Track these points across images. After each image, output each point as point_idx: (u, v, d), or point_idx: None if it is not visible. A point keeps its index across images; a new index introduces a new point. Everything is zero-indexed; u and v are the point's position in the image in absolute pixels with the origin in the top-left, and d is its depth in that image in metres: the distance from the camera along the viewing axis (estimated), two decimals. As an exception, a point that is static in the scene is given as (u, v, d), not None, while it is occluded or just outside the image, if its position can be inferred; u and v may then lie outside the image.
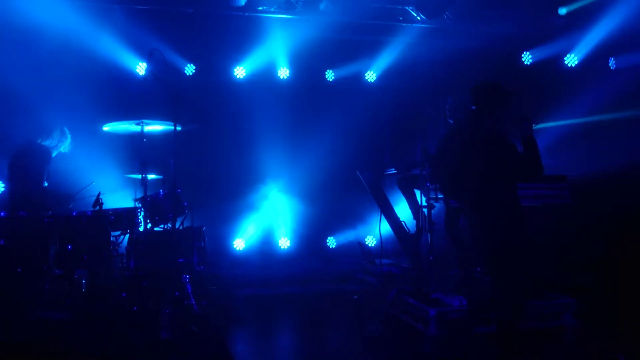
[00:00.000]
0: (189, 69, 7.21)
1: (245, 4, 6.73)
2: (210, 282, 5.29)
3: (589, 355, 4.15)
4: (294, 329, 5.31)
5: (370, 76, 7.78)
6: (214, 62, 7.30)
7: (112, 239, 5.02)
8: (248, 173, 7.24)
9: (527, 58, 7.74)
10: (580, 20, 7.05)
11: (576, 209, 5.82)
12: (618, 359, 3.97)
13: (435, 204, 4.77)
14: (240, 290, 6.30)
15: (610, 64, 7.78)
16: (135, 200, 5.51)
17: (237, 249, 7.32)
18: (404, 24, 7.19)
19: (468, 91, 3.82)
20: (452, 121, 5.29)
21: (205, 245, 5.33)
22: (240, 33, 7.08)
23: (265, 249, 7.38)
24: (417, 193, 4.97)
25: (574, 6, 6.53)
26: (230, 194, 7.16)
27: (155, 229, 5.17)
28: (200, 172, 6.89)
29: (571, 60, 7.77)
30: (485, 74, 7.29)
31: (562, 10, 6.71)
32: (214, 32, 7.06)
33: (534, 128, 3.65)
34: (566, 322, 4.42)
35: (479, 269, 5.44)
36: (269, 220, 7.47)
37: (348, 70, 7.63)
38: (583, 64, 7.75)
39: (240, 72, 7.37)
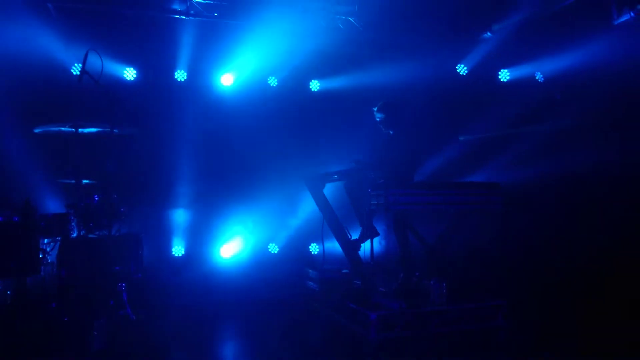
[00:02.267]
0: (130, 72, 7.01)
1: (187, 7, 6.65)
2: (148, 291, 5.13)
3: (519, 354, 4.35)
4: (234, 338, 5.23)
5: (314, 85, 7.87)
6: (156, 66, 7.14)
7: (42, 246, 4.77)
8: (191, 179, 7.08)
9: (462, 69, 8.08)
10: (511, 36, 7.43)
11: (508, 214, 6.14)
12: (545, 357, 4.20)
13: (376, 210, 4.86)
14: (180, 298, 6.14)
15: (537, 77, 8.24)
16: (68, 206, 5.26)
17: (178, 256, 7.14)
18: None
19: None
20: (379, 120, 5.49)
21: (143, 253, 5.17)
22: (183, 36, 6.97)
23: (206, 257, 7.23)
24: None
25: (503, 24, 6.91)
26: (171, 200, 7.00)
27: (90, 235, 4.97)
28: (140, 178, 6.67)
29: (504, 75, 8.20)
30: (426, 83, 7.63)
31: (496, 26, 7.06)
32: (155, 35, 6.92)
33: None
34: (498, 323, 4.60)
35: (417, 273, 5.59)
36: (212, 227, 7.32)
37: (291, 77, 7.67)
38: (513, 78, 8.18)
39: (181, 75, 7.25)
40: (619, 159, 6.23)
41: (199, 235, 7.26)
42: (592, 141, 6.85)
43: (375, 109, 5.54)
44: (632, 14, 5.90)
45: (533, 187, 7.11)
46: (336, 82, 7.71)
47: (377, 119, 5.54)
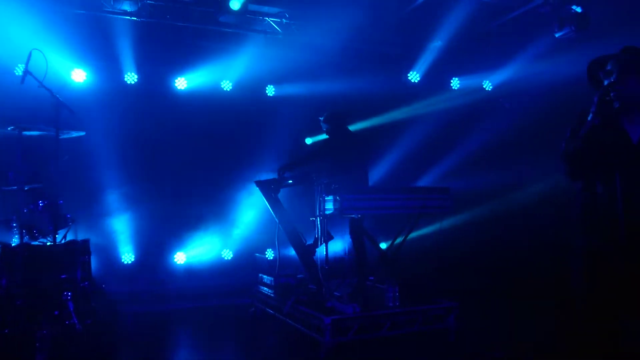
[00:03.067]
0: (78, 74, 6.77)
1: (138, 9, 6.51)
2: (96, 299, 4.94)
3: (470, 354, 4.46)
4: (186, 346, 5.11)
5: (270, 90, 7.85)
6: (106, 68, 6.94)
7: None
8: (141, 183, 6.90)
9: (414, 77, 8.26)
10: (461, 46, 7.68)
11: (460, 219, 6.31)
12: (495, 357, 4.33)
13: (329, 214, 4.89)
14: (131, 306, 5.98)
15: (484, 86, 8.54)
16: (10, 212, 5.01)
17: (128, 263, 6.93)
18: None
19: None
20: (325, 129, 5.58)
21: (90, 260, 4.99)
22: (134, 38, 6.81)
23: (158, 263, 7.06)
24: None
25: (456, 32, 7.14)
26: (121, 205, 6.79)
27: (33, 243, 4.75)
28: (88, 182, 6.46)
29: (455, 83, 8.44)
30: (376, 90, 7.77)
31: (445, 36, 7.29)
32: (105, 36, 6.72)
33: None
34: (450, 325, 4.71)
35: (372, 277, 5.66)
36: (164, 232, 7.15)
37: (247, 80, 7.63)
38: (462, 87, 8.44)
39: (131, 78, 7.07)
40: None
41: (151, 241, 7.07)
42: (530, 150, 7.16)
43: (321, 119, 5.61)
44: (572, 27, 6.22)
45: (477, 191, 7.35)
46: (292, 88, 7.72)
47: (324, 129, 5.62)
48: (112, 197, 6.78)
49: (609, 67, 2.67)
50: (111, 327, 4.89)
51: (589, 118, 2.57)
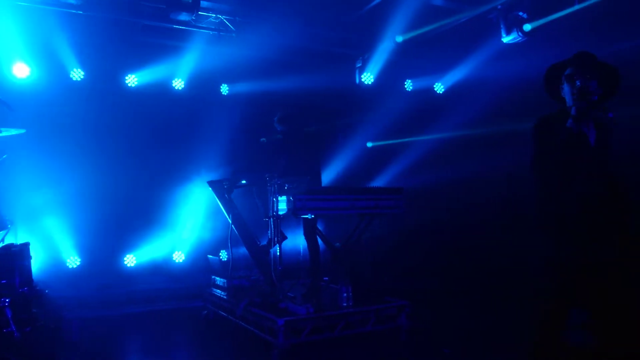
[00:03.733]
0: (21, 69, 6.45)
1: (83, 3, 6.26)
2: (38, 305, 4.71)
3: (421, 351, 4.54)
4: (135, 352, 4.95)
5: (224, 89, 7.74)
6: (50, 62, 6.63)
7: None
8: (86, 183, 6.62)
9: (368, 78, 8.33)
10: (415, 48, 7.81)
11: (411, 218, 6.40)
12: (445, 353, 4.42)
13: (282, 215, 4.86)
14: (76, 312, 5.75)
15: (436, 89, 8.73)
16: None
17: (73, 267, 6.65)
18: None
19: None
20: (279, 130, 5.58)
21: (30, 264, 4.74)
22: (82, 33, 6.54)
23: (106, 266, 6.80)
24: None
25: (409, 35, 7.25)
26: (64, 207, 6.50)
27: (-33, 247, 4.49)
28: (30, 183, 6.15)
29: (408, 85, 8.58)
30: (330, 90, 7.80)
31: (399, 38, 7.37)
32: (50, 29, 6.42)
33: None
34: (401, 323, 4.77)
35: (326, 278, 5.66)
36: (112, 234, 6.89)
37: (200, 78, 7.48)
38: (415, 89, 8.59)
39: (78, 74, 6.80)
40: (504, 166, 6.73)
41: (98, 244, 6.80)
42: (479, 149, 7.37)
43: (275, 119, 5.58)
44: (519, 33, 6.44)
45: (430, 191, 7.50)
46: (246, 87, 7.63)
47: (278, 130, 5.59)
48: (56, 199, 6.48)
49: (568, 72, 2.79)
50: (54, 334, 4.67)
51: (568, 124, 2.69)
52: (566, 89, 2.82)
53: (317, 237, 5.54)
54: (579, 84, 2.72)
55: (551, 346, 2.85)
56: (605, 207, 2.76)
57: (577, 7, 5.92)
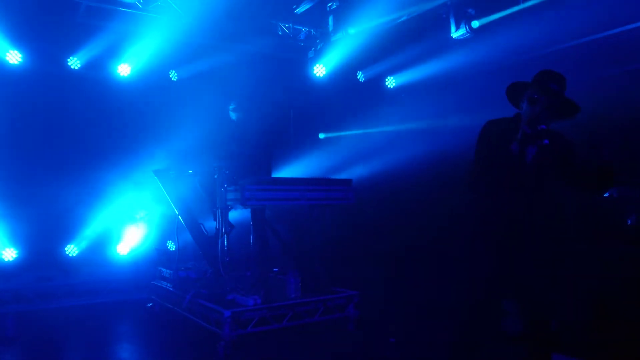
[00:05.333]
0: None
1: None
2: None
3: (368, 341, 4.61)
4: (79, 346, 4.77)
5: (173, 75, 7.50)
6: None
7: None
8: (25, 171, 6.29)
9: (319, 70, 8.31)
10: (367, 41, 7.85)
11: (360, 210, 6.47)
12: (391, 342, 4.51)
13: (231, 205, 4.80)
14: (11, 306, 5.49)
15: (387, 82, 8.83)
16: None
17: (8, 259, 6.31)
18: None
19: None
20: (234, 118, 5.54)
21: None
22: (19, 12, 6.18)
23: (45, 258, 6.49)
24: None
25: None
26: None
27: None
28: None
29: (360, 76, 8.61)
30: (283, 82, 7.73)
31: (351, 30, 7.41)
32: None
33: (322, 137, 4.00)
34: (350, 313, 4.83)
35: (276, 269, 5.64)
36: (51, 224, 6.56)
37: (148, 65, 7.23)
38: (369, 80, 8.65)
39: (14, 56, 6.41)
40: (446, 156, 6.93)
41: (37, 234, 6.46)
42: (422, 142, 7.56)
43: (231, 107, 5.52)
44: (467, 29, 6.58)
45: (376, 182, 7.62)
46: (196, 74, 7.41)
47: (233, 117, 5.53)
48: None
49: (535, 96, 2.87)
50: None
51: (512, 147, 2.85)
52: (524, 107, 2.93)
53: (266, 227, 5.52)
54: (536, 110, 2.84)
55: (478, 333, 2.99)
56: (532, 224, 2.91)
57: (522, 6, 6.11)
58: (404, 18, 7.07)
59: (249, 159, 5.22)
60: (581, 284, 3.22)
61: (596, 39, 5.82)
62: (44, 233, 6.46)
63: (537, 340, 2.94)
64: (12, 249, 6.34)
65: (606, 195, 3.42)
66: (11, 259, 6.31)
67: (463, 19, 6.61)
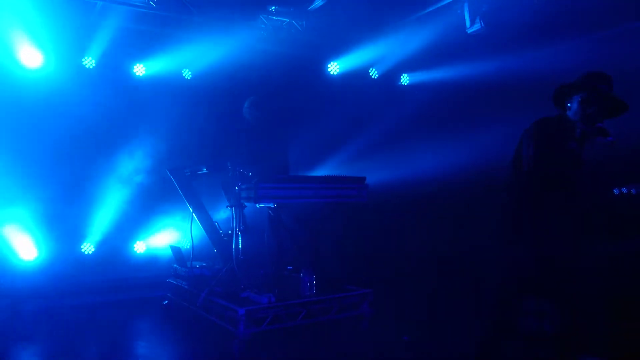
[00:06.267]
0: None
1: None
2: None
3: (382, 339, 4.59)
4: (96, 342, 4.83)
5: (187, 73, 7.54)
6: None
7: None
8: (43, 170, 6.34)
9: (334, 68, 8.28)
10: (383, 37, 7.80)
11: (374, 209, 6.44)
12: (404, 340, 4.48)
13: (246, 204, 4.81)
14: (30, 303, 5.58)
15: (402, 81, 8.76)
16: None
17: (28, 259, 6.40)
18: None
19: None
20: (249, 118, 5.52)
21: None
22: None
23: (63, 257, 6.57)
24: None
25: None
26: (17, 196, 6.23)
27: None
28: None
29: (373, 73, 8.56)
30: (296, 80, 7.71)
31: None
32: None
33: None
34: (364, 311, 4.81)
35: (289, 267, 5.64)
36: (69, 224, 6.66)
37: (162, 65, 7.27)
38: (382, 77, 8.59)
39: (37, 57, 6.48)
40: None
41: (55, 235, 6.55)
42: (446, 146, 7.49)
43: (246, 104, 5.52)
44: (482, 24, 6.50)
45: (391, 182, 7.56)
46: (210, 73, 7.42)
47: (248, 117, 5.52)
48: (11, 188, 6.20)
49: (583, 96, 3.02)
50: (6, 327, 4.52)
51: (571, 145, 3.03)
52: (575, 108, 3.07)
53: (281, 226, 5.52)
54: (589, 111, 3.00)
55: (502, 332, 2.96)
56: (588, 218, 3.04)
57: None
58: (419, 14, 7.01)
59: (262, 157, 5.23)
60: (604, 282, 3.16)
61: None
62: (61, 233, 6.55)
63: (564, 340, 2.91)
64: (32, 247, 6.44)
65: (624, 191, 3.39)
66: (31, 259, 6.40)
67: (477, 12, 6.54)
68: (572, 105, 3.08)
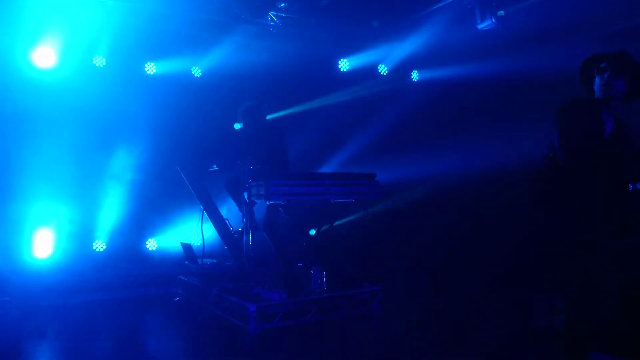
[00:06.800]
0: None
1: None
2: (2, 293, 4.58)
3: (393, 335, 4.58)
4: (107, 339, 4.86)
5: (196, 72, 7.57)
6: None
7: None
8: (51, 169, 6.37)
9: (343, 65, 8.27)
10: (392, 34, 7.78)
11: (385, 206, 6.44)
12: (415, 337, 4.47)
13: (256, 201, 4.82)
14: (44, 300, 5.64)
15: (413, 77, 8.73)
16: None
17: (40, 256, 6.47)
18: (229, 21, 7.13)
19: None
20: (243, 125, 5.46)
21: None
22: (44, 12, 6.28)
23: (75, 253, 6.64)
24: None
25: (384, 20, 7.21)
26: (29, 193, 6.28)
27: None
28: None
29: (382, 69, 8.53)
30: (305, 78, 7.70)
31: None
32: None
33: None
34: (374, 308, 4.81)
35: (300, 264, 5.65)
36: (80, 221, 6.72)
37: (173, 63, 7.31)
38: (391, 74, 8.55)
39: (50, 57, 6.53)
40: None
41: (66, 232, 6.62)
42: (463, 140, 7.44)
43: (239, 112, 5.51)
44: (493, 19, 6.46)
45: (404, 180, 7.54)
46: (220, 69, 7.43)
47: (241, 122, 5.49)
48: (23, 185, 6.25)
49: (603, 65, 2.93)
50: (21, 322, 4.58)
51: (600, 127, 2.88)
52: (597, 81, 2.97)
53: (291, 223, 5.53)
54: (606, 76, 2.90)
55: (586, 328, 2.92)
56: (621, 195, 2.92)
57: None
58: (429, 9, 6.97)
59: (264, 160, 5.19)
60: (617, 278, 3.12)
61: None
62: (74, 230, 6.61)
63: (575, 336, 2.87)
64: (46, 246, 6.51)
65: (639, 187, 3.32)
66: (45, 257, 6.48)
67: (488, 8, 6.48)
68: (595, 80, 2.95)
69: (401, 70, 8.54)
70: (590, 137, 2.85)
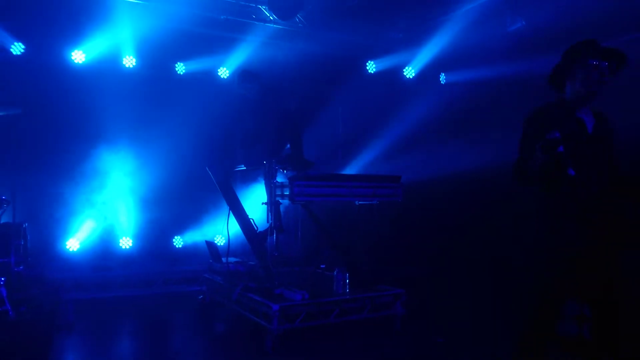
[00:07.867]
0: (17, 48, 6.39)
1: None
2: (33, 285, 4.70)
3: (415, 339, 4.54)
4: (133, 334, 4.97)
5: (223, 72, 7.66)
6: (47, 43, 6.53)
7: None
8: (85, 166, 6.57)
9: (371, 67, 8.26)
10: (417, 36, 7.73)
11: (408, 208, 6.37)
12: (438, 342, 4.43)
13: (281, 201, 4.84)
14: (72, 293, 5.77)
15: (441, 79, 8.65)
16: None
17: (71, 249, 6.64)
18: (256, 23, 7.20)
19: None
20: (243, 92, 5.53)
21: (26, 244, 4.74)
22: (80, 13, 6.45)
23: (103, 250, 6.79)
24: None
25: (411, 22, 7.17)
26: (63, 189, 6.46)
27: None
28: (26, 164, 6.09)
29: (409, 72, 8.48)
30: (333, 79, 7.71)
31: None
32: (47, 9, 6.31)
33: None
34: (396, 311, 4.78)
35: (323, 265, 5.66)
36: (109, 218, 6.88)
37: (200, 64, 7.41)
38: (419, 77, 8.49)
39: (79, 56, 6.72)
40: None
41: (97, 228, 6.79)
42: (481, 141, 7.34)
43: (236, 81, 5.51)
44: (523, 22, 6.36)
45: (427, 182, 7.46)
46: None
47: (242, 90, 5.48)
48: (56, 181, 6.42)
49: (593, 62, 2.73)
50: (50, 314, 4.69)
51: (536, 162, 2.64)
52: (580, 75, 2.76)
53: (315, 224, 5.53)
54: (604, 73, 2.71)
55: (543, 337, 2.85)
56: (605, 196, 2.75)
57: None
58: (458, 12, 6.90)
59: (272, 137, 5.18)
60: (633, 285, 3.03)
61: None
62: (103, 226, 6.76)
63: (601, 346, 2.79)
64: (75, 240, 6.67)
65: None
66: (75, 250, 6.65)
67: (518, 11, 6.39)
68: (578, 75, 2.77)
69: (428, 72, 8.46)
70: (572, 139, 2.68)
